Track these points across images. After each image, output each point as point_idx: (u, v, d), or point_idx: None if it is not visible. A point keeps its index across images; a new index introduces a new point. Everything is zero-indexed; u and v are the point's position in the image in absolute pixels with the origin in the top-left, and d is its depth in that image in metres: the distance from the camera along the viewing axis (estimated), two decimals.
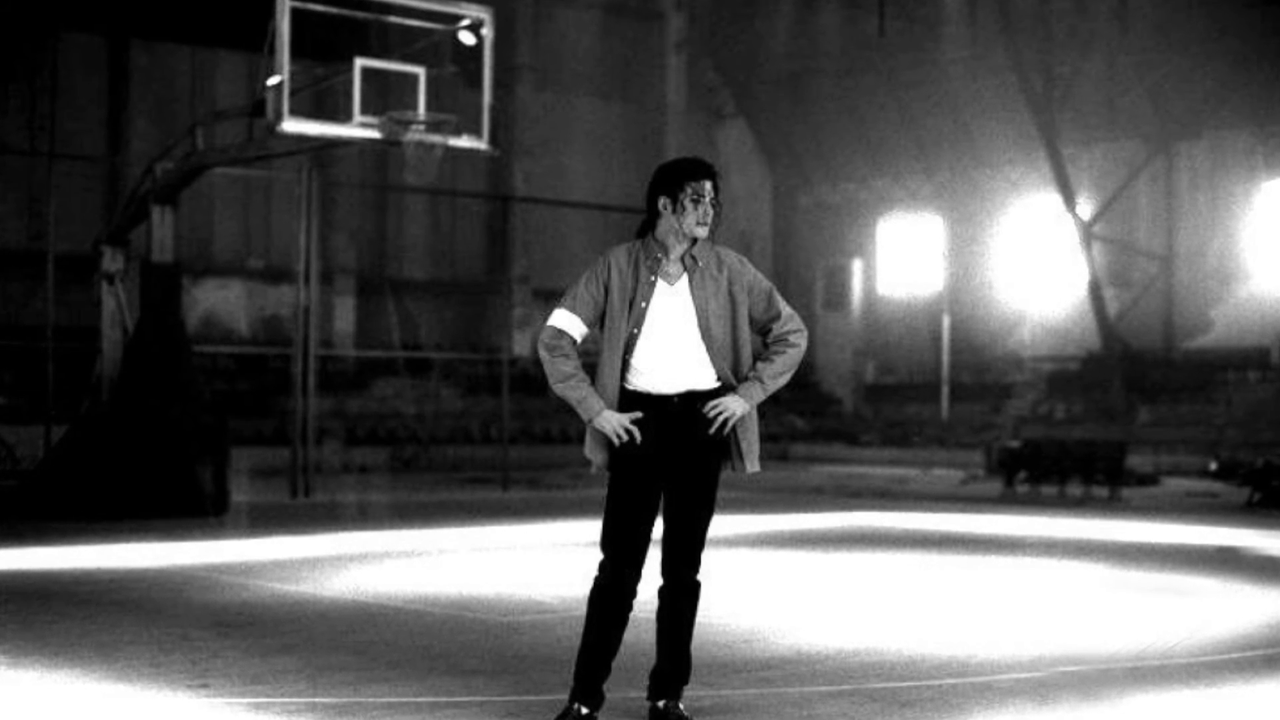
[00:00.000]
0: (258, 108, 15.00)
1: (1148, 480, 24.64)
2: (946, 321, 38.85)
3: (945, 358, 38.70)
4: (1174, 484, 24.89)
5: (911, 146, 40.49)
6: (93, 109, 32.51)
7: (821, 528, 15.79)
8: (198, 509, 15.70)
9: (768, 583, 10.92)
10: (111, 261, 17.01)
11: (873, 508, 18.88)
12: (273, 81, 14.30)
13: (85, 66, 32.40)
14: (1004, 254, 39.54)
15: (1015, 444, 23.83)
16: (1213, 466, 25.31)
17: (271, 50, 14.25)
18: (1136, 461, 25.24)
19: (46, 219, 19.37)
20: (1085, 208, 36.57)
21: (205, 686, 6.46)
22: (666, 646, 5.71)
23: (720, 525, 7.61)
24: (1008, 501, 20.52)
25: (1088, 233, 35.82)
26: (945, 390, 38.61)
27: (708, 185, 5.57)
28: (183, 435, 15.99)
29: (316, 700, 6.18)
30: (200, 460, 15.96)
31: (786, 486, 23.61)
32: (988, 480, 25.03)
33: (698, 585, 5.72)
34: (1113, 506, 19.52)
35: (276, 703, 6.12)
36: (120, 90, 33.16)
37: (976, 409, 37.30)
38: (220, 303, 34.47)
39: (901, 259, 42.18)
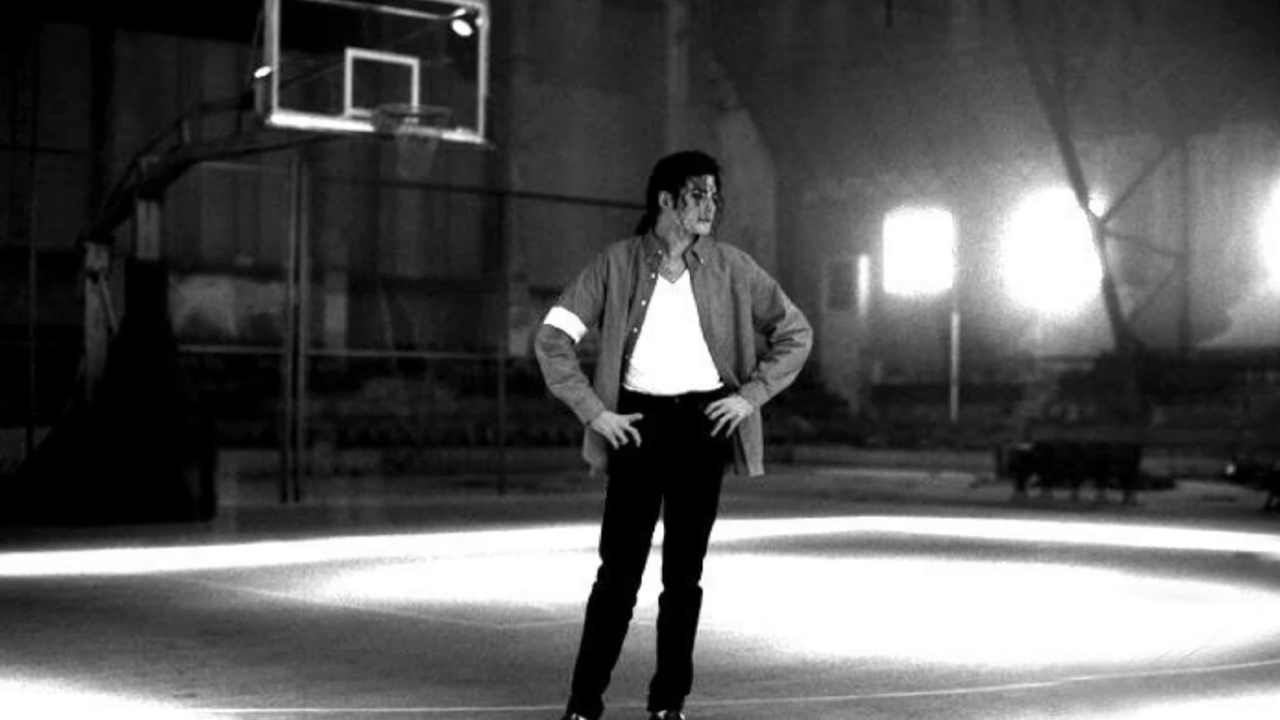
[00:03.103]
0: (246, 100, 15.14)
1: (1163, 484, 24.59)
2: (956, 320, 38.71)
3: (954, 358, 38.57)
4: (1190, 487, 24.86)
5: (919, 140, 40.27)
6: (76, 102, 32.42)
7: (827, 532, 15.78)
8: (184, 513, 15.69)
9: (771, 589, 10.92)
10: (95, 259, 16.99)
11: (880, 512, 18.88)
12: (261, 73, 14.45)
13: (68, 58, 32.26)
14: (1015, 251, 39.39)
15: (1026, 446, 23.68)
16: (1230, 469, 25.27)
17: (260, 41, 14.36)
18: (1151, 464, 25.21)
19: (29, 215, 19.33)
20: (1098, 203, 36.44)
21: (192, 696, 6.45)
22: (667, 655, 5.69)
23: (723, 530, 7.62)
24: (1019, 506, 20.46)
25: (1101, 229, 35.69)
26: (954, 391, 38.51)
27: (710, 180, 5.55)
28: (169, 437, 15.95)
29: (307, 710, 6.18)
30: (187, 463, 15.94)
31: (791, 490, 23.63)
32: (998, 484, 25.00)
33: (699, 592, 5.70)
34: (1127, 511, 19.46)
35: (265, 713, 6.13)
36: (104, 82, 33.06)
37: (986, 410, 37.21)
38: (208, 301, 34.34)
39: (909, 256, 42.02)
